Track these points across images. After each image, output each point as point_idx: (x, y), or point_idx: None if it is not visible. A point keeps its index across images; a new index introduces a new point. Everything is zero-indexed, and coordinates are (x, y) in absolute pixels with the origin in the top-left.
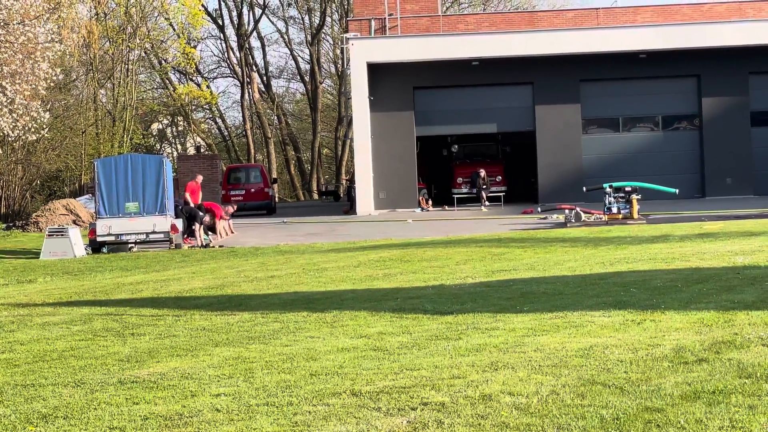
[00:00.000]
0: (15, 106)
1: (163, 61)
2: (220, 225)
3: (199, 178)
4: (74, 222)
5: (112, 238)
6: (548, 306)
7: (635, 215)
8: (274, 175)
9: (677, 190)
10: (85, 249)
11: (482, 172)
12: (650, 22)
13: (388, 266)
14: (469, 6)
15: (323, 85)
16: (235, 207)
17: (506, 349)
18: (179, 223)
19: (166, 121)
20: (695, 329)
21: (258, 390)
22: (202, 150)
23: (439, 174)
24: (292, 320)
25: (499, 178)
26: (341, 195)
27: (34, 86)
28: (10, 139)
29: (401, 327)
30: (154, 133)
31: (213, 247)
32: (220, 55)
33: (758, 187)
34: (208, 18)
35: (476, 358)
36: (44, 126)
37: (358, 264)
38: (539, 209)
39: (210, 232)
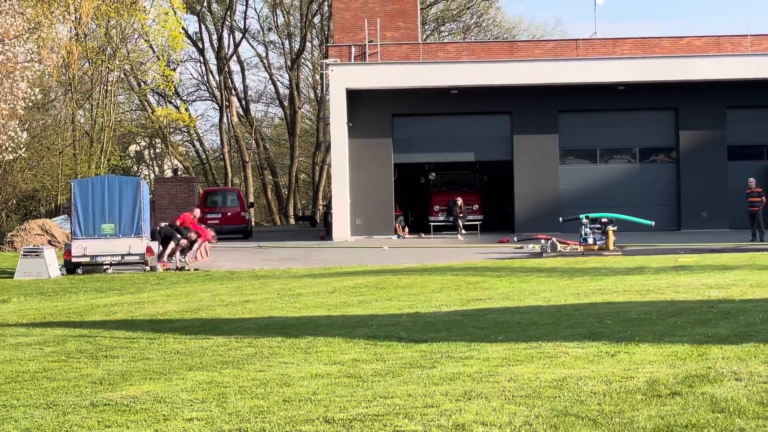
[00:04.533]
0: None
1: (142, 83)
2: (201, 248)
3: (197, 212)
4: (49, 242)
5: (88, 260)
6: (523, 336)
7: (611, 246)
8: (251, 199)
9: (653, 223)
10: (60, 270)
11: (459, 201)
12: (629, 55)
13: (364, 293)
14: (449, 35)
15: (302, 110)
16: (216, 238)
17: (480, 378)
18: (155, 246)
19: (144, 143)
20: (669, 362)
21: (231, 415)
22: (179, 173)
23: (416, 201)
24: (267, 345)
25: (476, 206)
26: (318, 220)
27: (12, 105)
28: None
29: (375, 354)
30: (132, 155)
31: (188, 270)
32: (200, 78)
33: (734, 221)
34: (188, 41)
35: (450, 387)
36: (21, 145)
37: (333, 290)
38: (515, 239)
39: (182, 254)
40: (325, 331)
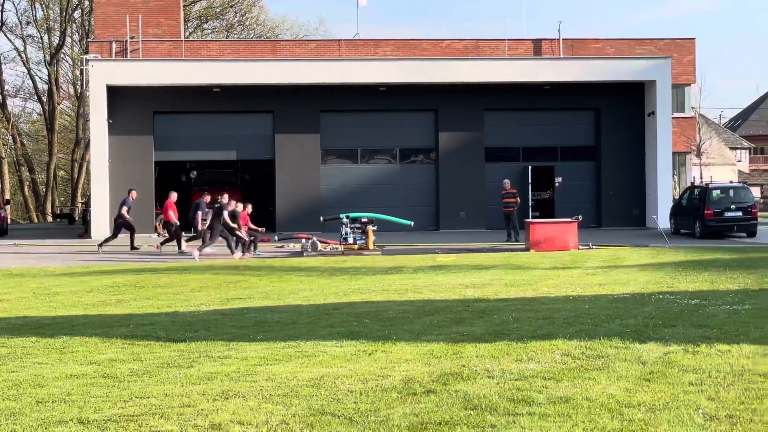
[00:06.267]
0: None
1: None
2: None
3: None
4: None
5: None
6: (281, 335)
7: (371, 246)
8: (7, 196)
9: (412, 223)
10: None
11: None
12: (391, 56)
13: (122, 292)
14: (213, 32)
15: (61, 106)
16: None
17: (238, 377)
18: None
19: None
20: (425, 360)
21: None
22: None
23: (178, 200)
24: (20, 345)
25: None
26: (77, 218)
27: None
28: None
29: (132, 354)
30: None
31: None
32: None
33: (490, 222)
34: None
35: (207, 386)
36: None
37: (91, 289)
38: (276, 238)
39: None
40: (81, 330)
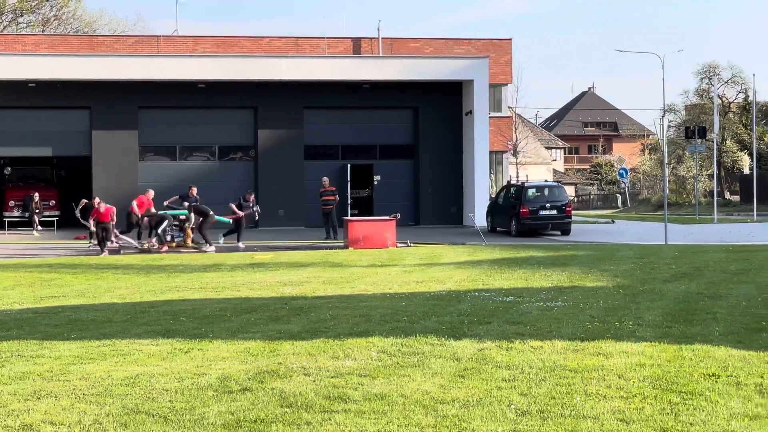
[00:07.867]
0: None
1: None
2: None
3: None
4: None
5: None
6: (96, 334)
7: (189, 243)
8: None
9: (231, 220)
10: None
11: (36, 196)
12: (210, 53)
13: None
14: (28, 26)
15: None
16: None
17: (51, 377)
18: None
19: None
20: (241, 358)
21: None
22: None
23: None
24: None
25: (53, 202)
26: None
27: None
28: None
29: None
30: None
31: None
32: None
33: (309, 219)
34: None
35: (19, 386)
36: None
37: None
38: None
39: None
40: None
